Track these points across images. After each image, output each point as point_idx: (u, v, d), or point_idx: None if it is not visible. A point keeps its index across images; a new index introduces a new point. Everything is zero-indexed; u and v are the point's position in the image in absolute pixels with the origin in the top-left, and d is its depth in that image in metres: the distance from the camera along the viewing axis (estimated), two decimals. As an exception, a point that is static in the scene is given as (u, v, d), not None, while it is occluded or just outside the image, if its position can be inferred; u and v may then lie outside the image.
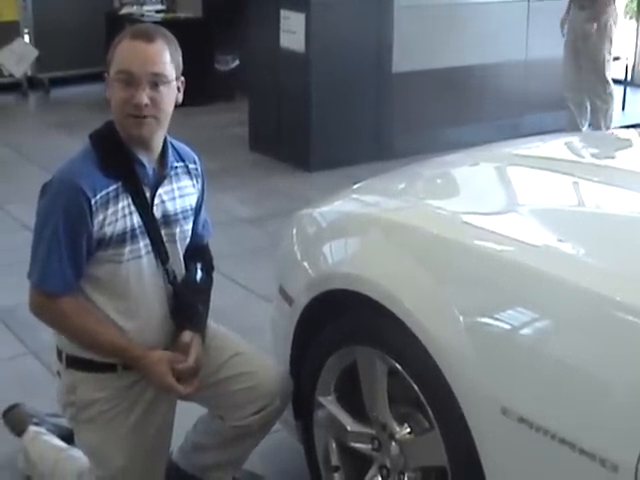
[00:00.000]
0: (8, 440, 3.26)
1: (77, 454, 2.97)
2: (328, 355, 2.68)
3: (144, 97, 2.50)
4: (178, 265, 2.73)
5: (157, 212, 2.64)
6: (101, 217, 2.53)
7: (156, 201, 2.64)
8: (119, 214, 2.56)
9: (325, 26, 6.67)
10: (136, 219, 2.59)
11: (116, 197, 2.55)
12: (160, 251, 2.66)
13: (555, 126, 7.34)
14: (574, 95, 7.44)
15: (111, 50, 2.58)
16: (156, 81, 2.53)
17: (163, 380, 2.62)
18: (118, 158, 2.58)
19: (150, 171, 2.63)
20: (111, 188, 2.55)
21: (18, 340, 4.20)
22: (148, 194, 2.63)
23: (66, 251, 2.52)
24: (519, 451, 2.06)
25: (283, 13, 6.82)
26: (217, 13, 8.92)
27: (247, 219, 5.95)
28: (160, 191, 2.65)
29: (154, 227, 2.63)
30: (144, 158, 2.61)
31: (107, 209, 2.54)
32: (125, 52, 2.54)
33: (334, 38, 6.68)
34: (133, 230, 2.59)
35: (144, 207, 2.61)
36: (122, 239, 2.57)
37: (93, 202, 2.50)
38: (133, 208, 2.58)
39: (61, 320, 2.62)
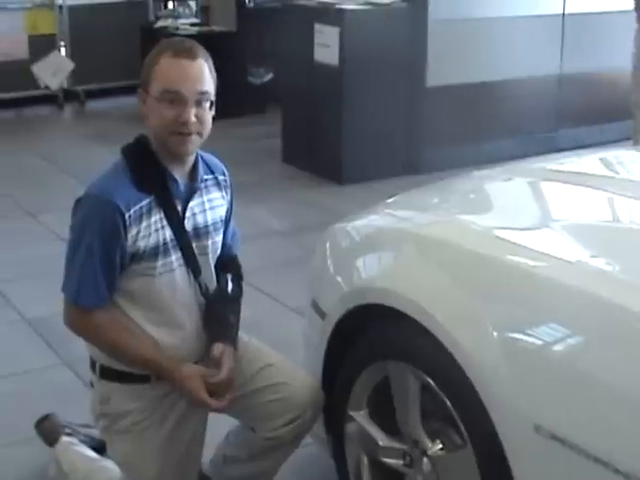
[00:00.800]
0: (40, 450, 3.28)
1: (109, 465, 2.98)
2: (360, 369, 2.67)
3: (192, 115, 2.53)
4: (210, 277, 2.74)
5: (188, 225, 2.66)
6: (135, 231, 2.54)
7: (187, 214, 2.66)
8: (152, 228, 2.58)
9: (359, 40, 6.67)
10: (168, 233, 2.61)
11: (149, 211, 2.57)
12: (192, 264, 2.67)
13: (590, 140, 7.31)
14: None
15: (147, 66, 2.58)
16: (201, 99, 2.55)
17: (196, 395, 2.62)
18: (151, 173, 2.60)
19: (182, 185, 2.65)
20: (144, 202, 2.56)
21: (52, 350, 4.22)
22: (179, 208, 2.64)
23: (100, 266, 2.53)
24: (552, 469, 2.04)
25: (317, 27, 6.84)
26: (251, 26, 8.97)
27: (279, 232, 5.96)
28: (191, 204, 2.67)
29: (186, 240, 2.64)
30: (177, 173, 2.63)
31: (140, 223, 2.55)
32: (170, 71, 2.54)
33: (368, 52, 6.69)
34: (165, 244, 2.60)
35: (176, 221, 2.62)
36: (155, 252, 2.58)
37: (127, 217, 2.52)
38: (165, 222, 2.60)
39: (95, 334, 2.64)
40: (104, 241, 2.52)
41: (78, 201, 2.60)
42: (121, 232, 2.52)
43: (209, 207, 2.73)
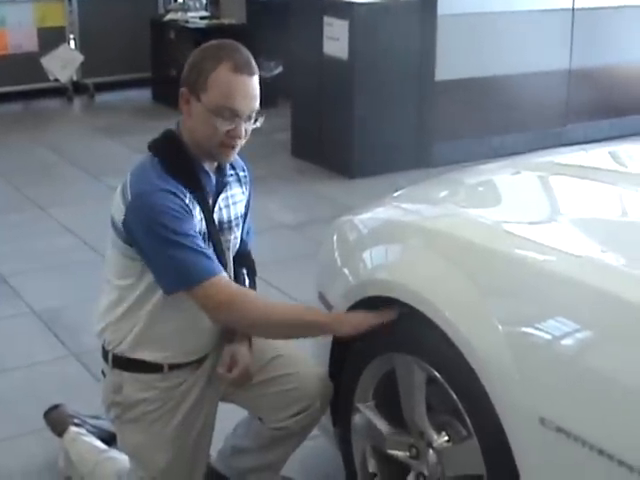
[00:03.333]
0: (49, 441, 3.30)
1: (117, 455, 3.01)
2: (367, 362, 2.68)
3: (243, 130, 2.53)
4: (230, 272, 2.75)
5: (215, 219, 2.65)
6: (194, 220, 2.54)
7: (216, 208, 2.66)
8: (197, 218, 2.57)
9: (368, 33, 6.67)
10: (204, 225, 2.59)
11: (192, 203, 2.55)
12: (220, 257, 2.66)
13: (598, 135, 7.30)
14: None
15: (200, 71, 2.51)
16: (252, 115, 2.55)
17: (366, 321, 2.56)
18: (185, 168, 2.57)
19: (213, 180, 2.65)
20: (189, 195, 2.54)
21: (60, 343, 4.24)
22: (210, 201, 2.64)
23: (193, 240, 2.48)
24: (557, 461, 2.05)
25: (326, 20, 6.84)
26: (261, 19, 8.97)
27: (288, 225, 5.96)
28: (219, 198, 2.67)
29: (216, 234, 2.64)
30: (207, 167, 2.62)
31: (194, 214, 2.55)
32: (230, 88, 2.50)
33: (377, 45, 6.69)
34: (203, 236, 2.59)
35: (209, 214, 2.62)
36: None
37: (187, 202, 2.51)
38: (202, 215, 2.59)
39: (240, 296, 2.59)
40: (183, 222, 2.48)
41: (130, 205, 2.50)
42: (191, 211, 2.51)
43: (232, 202, 2.73)
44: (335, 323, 2.62)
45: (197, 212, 2.57)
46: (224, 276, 2.56)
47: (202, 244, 2.53)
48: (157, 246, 2.49)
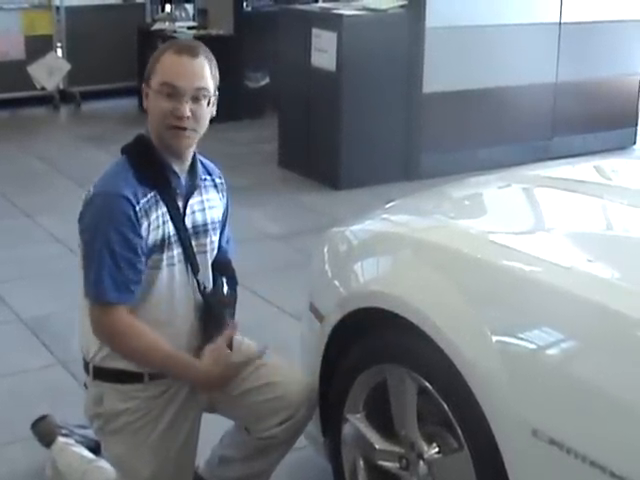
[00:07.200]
0: (37, 450, 3.29)
1: (105, 465, 2.99)
2: (358, 373, 2.68)
3: (187, 109, 2.58)
4: (207, 276, 2.77)
5: (188, 222, 2.69)
6: (146, 224, 2.57)
7: (188, 212, 2.70)
8: (159, 220, 2.61)
9: (356, 45, 6.69)
10: (171, 228, 2.64)
11: (155, 204, 2.61)
12: (191, 261, 2.69)
13: (584, 149, 7.33)
14: None
15: (151, 62, 2.64)
16: (198, 95, 2.60)
17: (225, 376, 2.69)
18: (153, 167, 2.64)
19: (183, 181, 2.69)
20: (149, 196, 2.60)
21: (47, 351, 4.22)
22: (180, 204, 2.68)
23: (122, 260, 2.55)
24: (549, 473, 2.06)
25: (314, 32, 6.86)
26: (249, 30, 8.98)
27: (274, 236, 5.96)
28: (191, 202, 2.71)
29: (186, 237, 2.68)
30: (177, 168, 2.67)
31: (150, 216, 2.59)
32: (170, 66, 2.60)
33: (365, 57, 6.71)
34: (169, 238, 2.63)
35: (177, 216, 2.66)
36: (161, 246, 2.62)
37: (137, 209, 2.55)
38: (167, 217, 2.63)
39: (122, 334, 2.62)
40: (121, 234, 2.54)
41: (86, 202, 2.62)
42: (135, 223, 2.55)
43: (208, 207, 2.77)
44: (200, 380, 2.69)
45: (160, 214, 2.61)
46: (123, 309, 2.59)
47: (134, 265, 2.56)
48: (87, 248, 2.60)
